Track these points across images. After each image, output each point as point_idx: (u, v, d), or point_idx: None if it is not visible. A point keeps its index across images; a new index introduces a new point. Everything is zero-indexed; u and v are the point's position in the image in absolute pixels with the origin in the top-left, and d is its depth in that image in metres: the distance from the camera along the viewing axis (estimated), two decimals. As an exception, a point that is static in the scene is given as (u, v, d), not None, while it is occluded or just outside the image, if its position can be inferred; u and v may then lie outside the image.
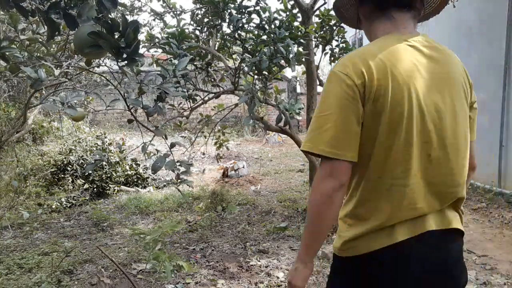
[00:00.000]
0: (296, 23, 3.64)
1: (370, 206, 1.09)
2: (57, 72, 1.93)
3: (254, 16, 3.34)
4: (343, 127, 1.03)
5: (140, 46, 1.47)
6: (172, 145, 2.01)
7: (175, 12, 4.43)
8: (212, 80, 4.25)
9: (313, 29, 3.91)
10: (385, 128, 1.04)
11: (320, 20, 4.04)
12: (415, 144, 1.05)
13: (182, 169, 1.93)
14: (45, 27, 1.60)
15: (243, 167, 6.98)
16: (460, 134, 1.11)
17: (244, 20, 3.21)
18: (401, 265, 1.06)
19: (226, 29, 3.58)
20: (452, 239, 1.12)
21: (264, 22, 3.14)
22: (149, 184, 6.30)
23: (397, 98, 1.03)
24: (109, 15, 1.40)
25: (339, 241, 1.14)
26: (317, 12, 4.08)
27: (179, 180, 1.99)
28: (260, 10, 3.43)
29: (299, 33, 3.26)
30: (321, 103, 1.07)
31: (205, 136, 4.86)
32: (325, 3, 4.23)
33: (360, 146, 1.05)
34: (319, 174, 1.06)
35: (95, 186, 5.71)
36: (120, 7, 4.03)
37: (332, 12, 3.98)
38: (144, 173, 6.41)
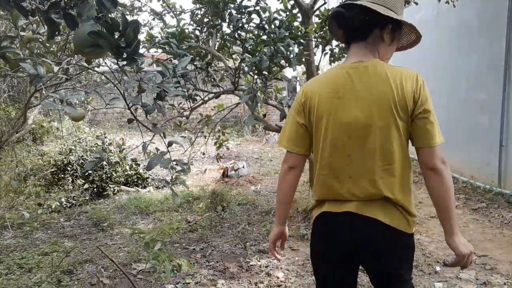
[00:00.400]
0: (296, 23, 3.64)
1: (314, 187, 1.55)
2: (56, 68, 1.92)
3: (254, 16, 3.34)
4: (292, 130, 1.53)
5: (140, 46, 1.47)
6: (170, 144, 2.01)
7: (175, 12, 4.43)
8: (212, 80, 4.25)
9: (313, 29, 3.91)
10: (316, 134, 1.48)
11: (320, 20, 4.04)
12: (335, 146, 1.43)
13: (178, 168, 1.93)
14: (45, 26, 1.60)
15: (243, 167, 6.98)
16: (375, 142, 1.37)
17: (244, 20, 3.21)
18: (322, 228, 1.53)
19: (226, 29, 3.58)
20: (369, 225, 1.40)
21: (264, 22, 3.15)
22: (149, 184, 6.31)
23: (320, 113, 1.44)
24: (109, 15, 1.40)
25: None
26: (317, 12, 4.08)
27: (173, 180, 1.99)
28: (260, 10, 3.42)
29: (299, 33, 3.26)
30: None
31: (205, 136, 4.87)
32: (325, 3, 4.23)
33: (312, 140, 1.52)
34: (284, 159, 1.58)
35: (95, 186, 5.71)
36: (119, 7, 4.03)
37: (332, 12, 3.99)
38: (144, 173, 6.41)
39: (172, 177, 1.98)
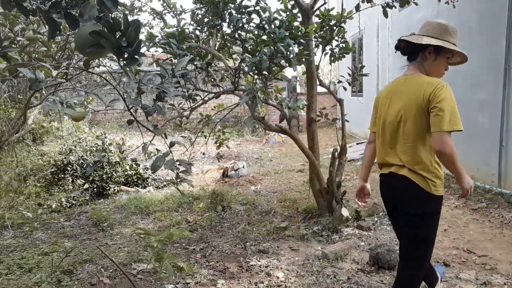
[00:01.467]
0: (296, 23, 3.63)
1: (377, 154, 2.32)
2: (54, 73, 1.92)
3: (254, 16, 3.34)
4: (372, 118, 2.39)
5: (141, 46, 1.47)
6: (172, 144, 2.01)
7: (175, 12, 4.43)
8: (212, 80, 4.25)
9: (313, 29, 3.91)
10: (377, 121, 2.29)
11: (320, 20, 4.04)
12: (383, 129, 2.20)
13: (182, 168, 1.93)
14: (46, 26, 1.60)
15: (243, 167, 6.98)
16: (401, 127, 2.08)
17: (244, 20, 3.21)
18: (382, 183, 2.28)
19: (226, 29, 3.58)
20: (399, 181, 2.10)
21: (264, 22, 3.14)
22: (149, 184, 6.30)
23: (379, 107, 2.27)
24: (110, 15, 1.40)
25: None
26: (317, 12, 4.08)
27: (178, 180, 1.99)
28: (260, 10, 3.42)
29: (299, 33, 3.26)
30: None
31: (205, 136, 4.86)
32: (325, 3, 4.23)
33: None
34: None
35: (95, 186, 5.71)
36: (120, 7, 4.03)
37: (332, 12, 3.99)
38: (144, 173, 6.41)
39: (175, 176, 1.98)
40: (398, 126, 2.08)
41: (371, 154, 2.39)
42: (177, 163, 1.89)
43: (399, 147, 2.09)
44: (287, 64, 3.17)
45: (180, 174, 1.98)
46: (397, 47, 2.20)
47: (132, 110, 1.95)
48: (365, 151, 2.43)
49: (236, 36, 3.28)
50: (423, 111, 1.96)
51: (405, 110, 2.04)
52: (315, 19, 4.20)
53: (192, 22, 4.19)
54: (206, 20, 4.07)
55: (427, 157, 2.01)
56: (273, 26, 3.05)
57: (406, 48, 2.14)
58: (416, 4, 4.44)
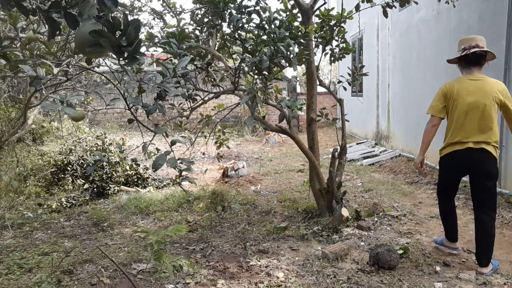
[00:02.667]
0: (296, 23, 3.64)
1: (452, 134, 3.09)
2: (56, 70, 1.92)
3: (254, 16, 3.34)
4: (436, 105, 3.17)
5: (141, 45, 1.47)
6: (173, 143, 2.01)
7: (175, 12, 4.43)
8: (212, 80, 4.25)
9: (313, 29, 3.91)
10: (452, 109, 3.08)
11: (320, 20, 4.04)
12: (463, 113, 3.00)
13: (184, 166, 1.93)
14: (46, 26, 1.60)
15: (243, 167, 6.97)
16: (479, 112, 2.96)
17: (244, 20, 3.21)
18: (456, 157, 3.10)
19: (226, 29, 3.58)
20: (478, 152, 3.00)
21: (264, 22, 3.14)
22: (149, 184, 6.30)
23: (455, 97, 3.04)
24: (110, 14, 1.40)
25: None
26: (317, 12, 4.08)
27: (181, 178, 1.99)
28: (260, 10, 3.42)
29: (299, 33, 3.26)
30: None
31: (205, 136, 4.86)
32: (325, 3, 4.23)
33: (448, 113, 3.13)
34: (429, 121, 3.22)
35: (95, 186, 5.71)
36: (120, 7, 4.03)
37: (332, 12, 3.99)
38: (144, 173, 6.40)
39: (178, 174, 1.98)
40: (476, 111, 2.95)
41: (433, 135, 3.19)
42: (179, 161, 1.90)
43: (479, 129, 2.98)
44: (287, 64, 3.17)
45: (185, 173, 1.98)
46: (468, 57, 3.01)
47: (132, 110, 1.95)
48: (431, 132, 3.17)
49: (236, 36, 3.28)
50: (496, 101, 2.96)
51: (483, 100, 2.94)
52: (315, 19, 4.21)
53: (192, 22, 4.19)
54: (206, 20, 4.07)
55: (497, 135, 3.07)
56: (273, 26, 3.05)
57: (479, 57, 3.00)
58: (416, 3, 4.44)
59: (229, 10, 3.22)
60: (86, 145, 6.31)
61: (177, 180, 1.97)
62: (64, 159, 5.95)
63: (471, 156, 3.00)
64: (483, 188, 3.05)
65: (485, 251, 3.06)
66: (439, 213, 3.51)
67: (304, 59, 3.46)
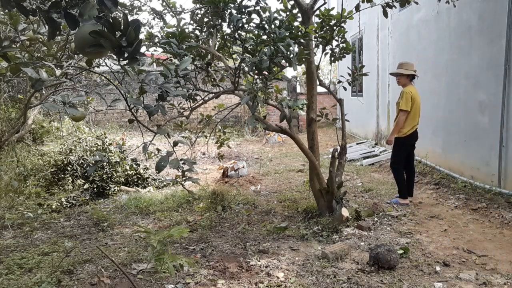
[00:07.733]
0: (296, 23, 3.63)
1: (409, 124, 4.91)
2: (58, 72, 1.92)
3: (254, 16, 3.34)
4: (409, 103, 4.90)
5: (141, 45, 1.47)
6: (175, 144, 2.01)
7: (175, 12, 4.43)
8: (212, 80, 4.24)
9: (313, 29, 3.91)
10: (413, 106, 4.89)
11: (320, 20, 4.04)
12: (418, 108, 4.97)
13: (186, 167, 1.93)
14: (46, 26, 1.60)
15: (243, 167, 6.97)
16: (419, 107, 4.99)
17: (244, 20, 3.21)
18: (413, 136, 5.01)
19: (226, 29, 3.58)
20: (417, 131, 5.04)
21: (264, 22, 3.14)
22: (149, 184, 6.30)
23: (414, 98, 4.89)
24: (110, 14, 1.40)
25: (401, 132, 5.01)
26: (317, 12, 4.08)
27: (184, 178, 1.99)
28: (260, 10, 3.42)
29: (299, 33, 3.26)
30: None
31: (205, 136, 4.86)
32: (325, 3, 4.23)
33: (411, 108, 4.91)
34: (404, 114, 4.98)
35: (95, 186, 5.71)
36: (119, 7, 4.02)
37: (332, 12, 3.99)
38: (144, 173, 6.40)
39: (181, 175, 1.98)
40: (419, 107, 4.92)
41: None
42: (181, 162, 1.90)
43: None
44: (287, 64, 3.16)
45: (187, 173, 1.98)
46: (415, 75, 5.05)
47: (133, 110, 1.95)
48: (402, 120, 4.89)
49: (236, 36, 3.28)
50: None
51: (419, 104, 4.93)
52: (315, 19, 4.20)
53: (192, 22, 4.19)
54: (206, 20, 4.07)
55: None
56: (273, 26, 3.05)
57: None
58: (416, 3, 4.44)
59: (229, 10, 3.22)
60: (86, 145, 6.31)
61: (179, 180, 1.98)
62: (64, 159, 5.95)
63: (416, 134, 4.96)
64: (413, 151, 5.15)
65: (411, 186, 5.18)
66: (397, 178, 5.00)
67: (304, 59, 3.46)
